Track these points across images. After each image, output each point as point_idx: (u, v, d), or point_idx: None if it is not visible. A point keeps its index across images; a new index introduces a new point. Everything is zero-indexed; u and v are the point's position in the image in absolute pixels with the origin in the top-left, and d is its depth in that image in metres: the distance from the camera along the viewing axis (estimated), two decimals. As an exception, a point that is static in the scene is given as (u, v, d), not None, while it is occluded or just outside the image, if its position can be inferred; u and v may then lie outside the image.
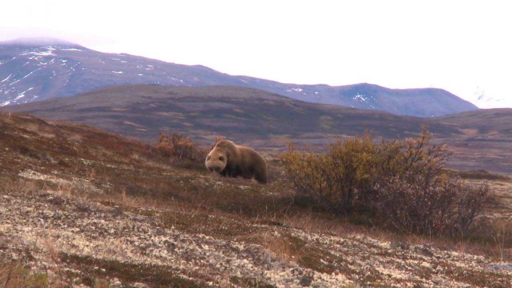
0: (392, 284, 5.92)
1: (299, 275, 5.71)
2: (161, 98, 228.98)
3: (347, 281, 5.78)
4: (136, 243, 5.94)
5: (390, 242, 8.72)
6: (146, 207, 8.64)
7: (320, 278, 5.73)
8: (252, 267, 5.79)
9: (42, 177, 11.60)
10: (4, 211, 6.56)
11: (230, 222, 8.36)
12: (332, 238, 8.46)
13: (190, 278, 4.83)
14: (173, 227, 7.11)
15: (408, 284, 6.02)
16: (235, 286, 4.92)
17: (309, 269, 6.01)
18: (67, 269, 4.42)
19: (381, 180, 12.36)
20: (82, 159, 16.90)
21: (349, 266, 6.54)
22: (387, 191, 12.02)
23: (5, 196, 7.51)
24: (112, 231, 6.37)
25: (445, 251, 8.51)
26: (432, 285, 6.08)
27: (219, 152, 17.50)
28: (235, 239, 6.95)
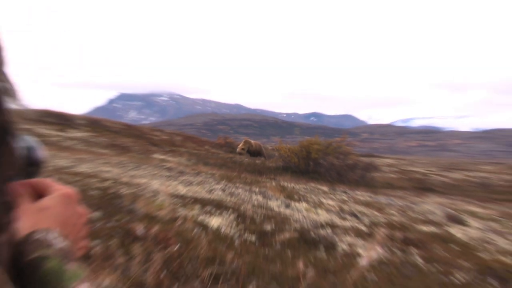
0: (329, 207, 5.89)
1: (284, 203, 5.70)
2: (218, 120, 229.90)
3: (307, 205, 5.75)
4: (207, 188, 5.95)
5: (327, 187, 8.66)
6: (212, 171, 8.65)
7: (295, 205, 5.71)
8: (262, 199, 5.79)
9: (161, 157, 11.64)
10: (142, 173, 6.60)
11: (251, 178, 8.36)
12: (300, 185, 8.43)
13: (232, 205, 4.84)
14: (224, 181, 7.13)
15: (336, 207, 5.99)
16: (254, 208, 4.92)
17: (289, 200, 5.99)
18: (173, 200, 4.44)
19: (323, 158, 12.26)
20: (181, 148, 16.92)
21: (308, 199, 6.51)
22: (326, 163, 11.94)
23: (144, 166, 7.54)
24: (195, 182, 6.39)
25: (354, 192, 8.45)
26: (347, 207, 6.04)
27: (242, 145, 17.51)
28: (254, 186, 6.95)
